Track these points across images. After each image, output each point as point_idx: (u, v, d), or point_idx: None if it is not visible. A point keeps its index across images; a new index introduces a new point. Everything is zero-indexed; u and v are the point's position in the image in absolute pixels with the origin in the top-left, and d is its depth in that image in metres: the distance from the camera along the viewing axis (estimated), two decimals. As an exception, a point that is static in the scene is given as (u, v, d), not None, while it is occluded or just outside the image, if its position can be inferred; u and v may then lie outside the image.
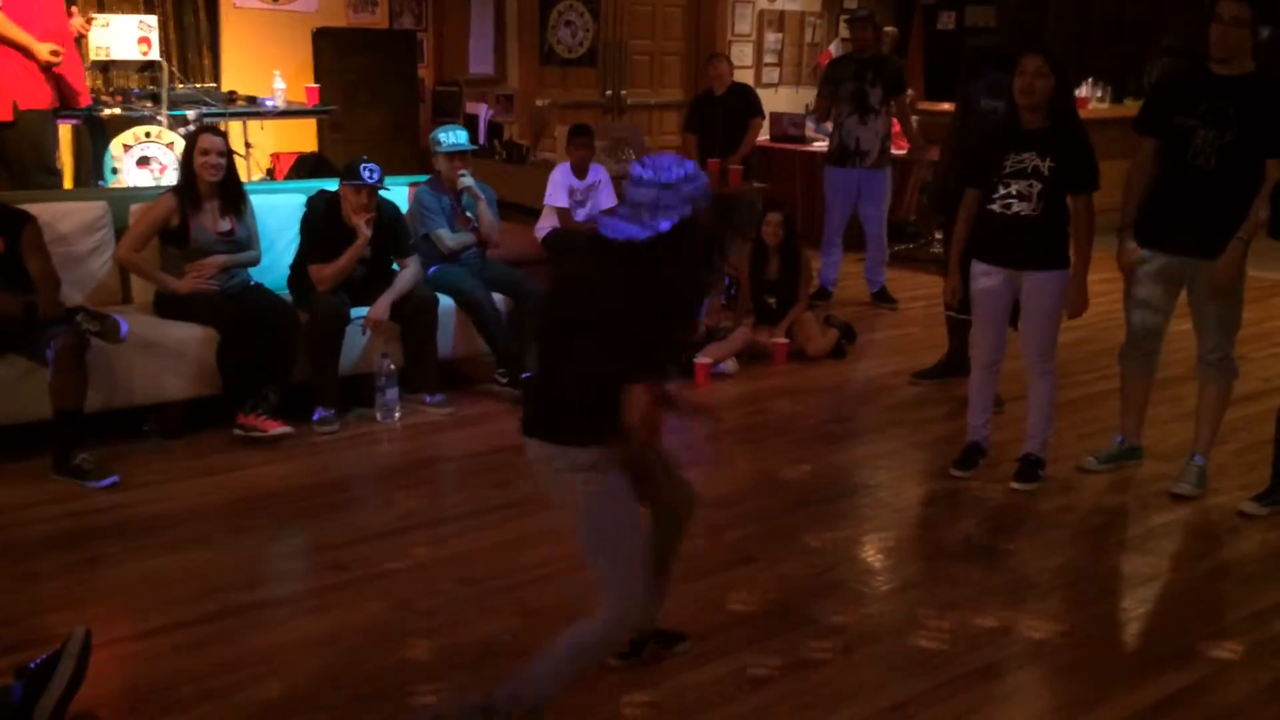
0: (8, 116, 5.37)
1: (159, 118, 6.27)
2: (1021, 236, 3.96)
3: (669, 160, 2.58)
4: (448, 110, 7.87)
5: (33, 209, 4.25)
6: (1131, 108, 7.56)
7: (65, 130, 6.60)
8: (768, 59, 9.67)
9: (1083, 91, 9.66)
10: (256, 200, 4.82)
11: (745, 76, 7.83)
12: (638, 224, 2.53)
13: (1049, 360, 4.12)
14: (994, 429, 4.38)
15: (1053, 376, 4.15)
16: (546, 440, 2.55)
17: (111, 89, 6.67)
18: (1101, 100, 9.75)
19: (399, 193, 5.16)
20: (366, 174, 4.59)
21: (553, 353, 2.61)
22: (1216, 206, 3.82)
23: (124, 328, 4.04)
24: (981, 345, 4.23)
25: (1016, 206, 3.93)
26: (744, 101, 7.21)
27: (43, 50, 5.38)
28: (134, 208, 4.67)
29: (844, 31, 9.82)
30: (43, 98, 5.43)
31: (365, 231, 4.62)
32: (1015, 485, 4.16)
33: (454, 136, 5.09)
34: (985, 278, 4.09)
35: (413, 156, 7.22)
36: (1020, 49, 4.07)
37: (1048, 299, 4.02)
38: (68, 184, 6.57)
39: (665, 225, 2.52)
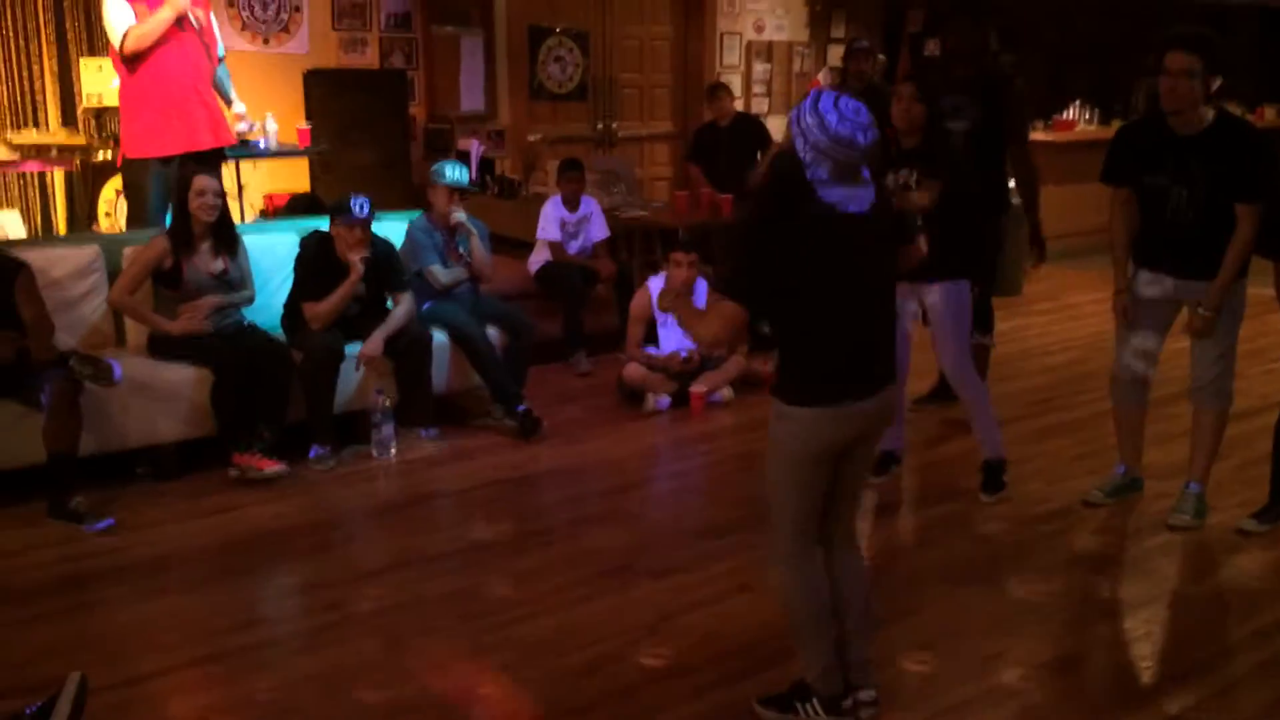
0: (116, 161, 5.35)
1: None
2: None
3: (853, 103, 2.51)
4: (439, 147, 7.90)
5: (26, 255, 4.27)
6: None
7: (59, 175, 6.63)
8: (756, 89, 9.73)
9: (1069, 114, 9.72)
10: (250, 240, 4.83)
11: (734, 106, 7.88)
12: (861, 185, 2.56)
13: (965, 369, 4.19)
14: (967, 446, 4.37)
15: (973, 384, 4.22)
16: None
17: (104, 134, 6.71)
18: (1089, 122, 9.81)
19: (395, 228, 5.18)
20: (357, 208, 4.61)
21: (884, 312, 2.73)
22: (1204, 250, 3.79)
23: (117, 371, 4.03)
24: None
25: None
26: (753, 132, 7.20)
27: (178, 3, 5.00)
28: (126, 251, 4.68)
29: (833, 60, 9.89)
30: (153, 145, 5.21)
31: (359, 268, 4.63)
32: (984, 498, 4.22)
33: (458, 173, 5.17)
34: None
35: (404, 193, 7.24)
36: (967, 70, 4.17)
37: (947, 309, 4.12)
38: (61, 229, 6.59)
39: (867, 173, 2.59)
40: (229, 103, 5.77)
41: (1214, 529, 4.02)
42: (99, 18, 5.50)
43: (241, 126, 5.98)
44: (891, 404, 2.79)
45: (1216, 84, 3.68)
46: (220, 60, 5.58)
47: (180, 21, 5.14)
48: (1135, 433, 4.25)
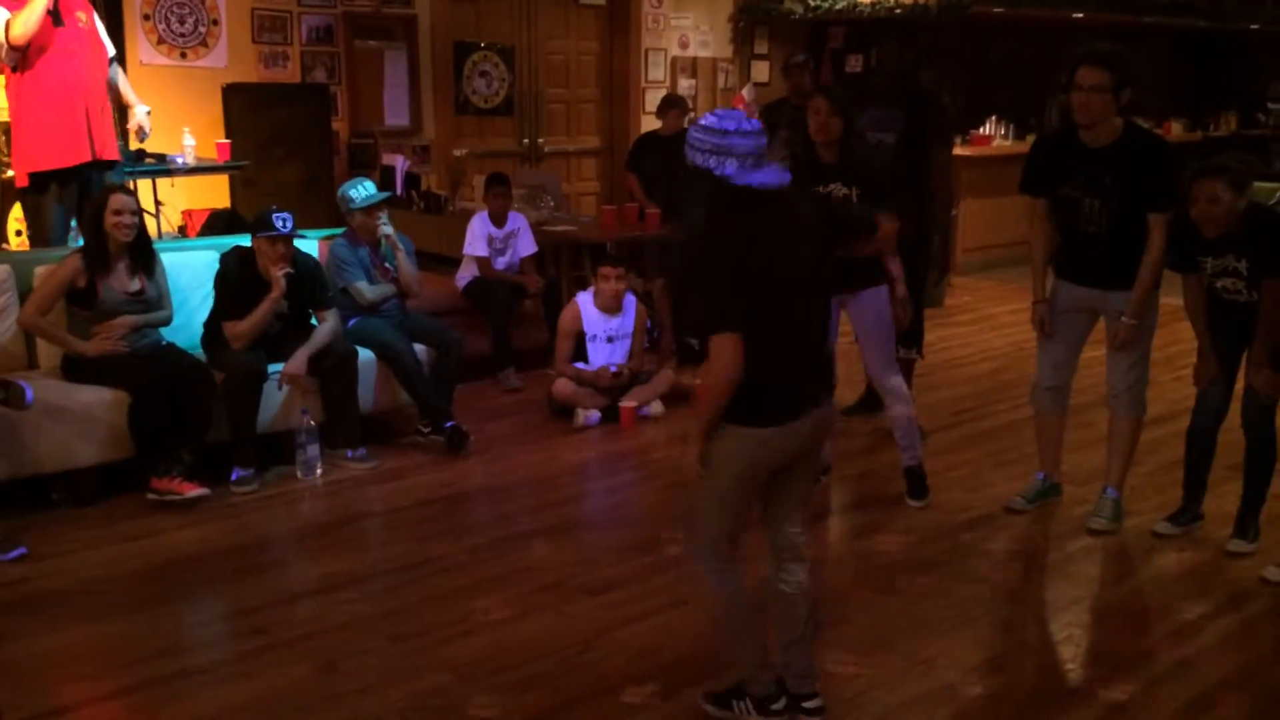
0: (23, 182, 5.14)
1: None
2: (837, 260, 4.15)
3: (735, 110, 2.61)
4: (364, 162, 7.81)
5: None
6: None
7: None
8: (682, 105, 9.79)
9: (986, 129, 9.95)
10: (168, 258, 4.72)
11: (657, 123, 7.91)
12: (772, 168, 2.59)
13: (893, 374, 4.29)
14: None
15: (900, 389, 4.31)
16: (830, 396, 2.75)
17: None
18: (1005, 138, 10.06)
19: (314, 245, 5.10)
20: (280, 223, 4.53)
21: (821, 315, 2.71)
22: (1119, 260, 3.91)
23: (29, 394, 3.91)
24: None
25: None
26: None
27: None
28: (39, 270, 4.54)
29: (757, 75, 10.02)
30: (50, 157, 5.04)
31: (281, 283, 4.54)
32: (912, 503, 4.35)
33: (365, 189, 5.07)
34: None
35: (328, 210, 7.13)
36: (892, 84, 4.24)
37: (872, 315, 4.22)
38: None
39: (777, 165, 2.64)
40: (130, 105, 5.57)
41: (1131, 532, 4.13)
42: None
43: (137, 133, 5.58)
44: (828, 417, 2.80)
45: (1126, 97, 3.79)
46: (111, 61, 5.42)
47: (58, 17, 4.94)
48: (1054, 440, 4.36)
